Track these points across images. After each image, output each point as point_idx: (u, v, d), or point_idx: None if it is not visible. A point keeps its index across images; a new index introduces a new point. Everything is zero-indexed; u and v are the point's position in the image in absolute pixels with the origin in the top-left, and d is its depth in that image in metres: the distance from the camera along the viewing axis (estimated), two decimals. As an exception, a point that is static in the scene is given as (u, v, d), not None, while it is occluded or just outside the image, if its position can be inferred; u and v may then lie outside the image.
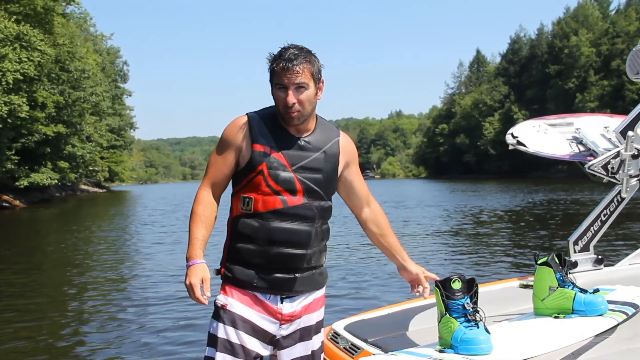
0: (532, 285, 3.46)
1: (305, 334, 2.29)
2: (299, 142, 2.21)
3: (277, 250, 2.15)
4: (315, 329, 2.33)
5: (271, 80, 2.19)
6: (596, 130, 3.99)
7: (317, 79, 2.18)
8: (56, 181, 36.73)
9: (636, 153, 3.78)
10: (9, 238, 16.34)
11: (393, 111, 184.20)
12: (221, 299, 2.20)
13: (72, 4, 31.98)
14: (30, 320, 6.48)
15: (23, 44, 20.86)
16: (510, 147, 3.83)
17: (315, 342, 2.33)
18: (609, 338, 2.56)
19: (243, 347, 2.17)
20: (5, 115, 20.45)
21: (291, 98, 2.11)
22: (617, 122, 4.11)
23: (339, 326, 3.20)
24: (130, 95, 71.05)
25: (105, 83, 48.91)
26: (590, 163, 3.69)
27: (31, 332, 5.91)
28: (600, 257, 3.89)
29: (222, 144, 2.24)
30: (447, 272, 8.87)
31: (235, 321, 2.17)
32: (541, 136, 3.89)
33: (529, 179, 60.99)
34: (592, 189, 29.52)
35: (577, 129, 3.98)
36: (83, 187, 61.06)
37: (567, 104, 65.41)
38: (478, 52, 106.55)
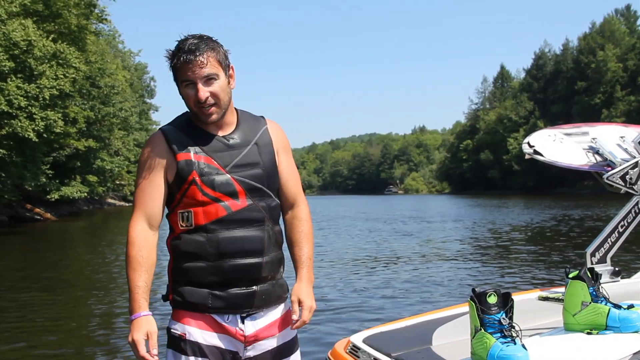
0: (552, 298, 3.52)
1: (278, 354, 2.05)
2: (224, 140, 1.99)
3: (229, 262, 1.92)
4: (291, 347, 2.10)
5: (176, 79, 1.96)
6: (612, 140, 3.91)
7: (225, 66, 1.97)
8: (85, 194, 37.45)
9: None
10: (49, 248, 16.80)
11: (416, 126, 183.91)
12: (177, 328, 1.96)
13: (104, 23, 32.80)
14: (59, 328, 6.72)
15: (60, 61, 21.55)
16: (527, 157, 3.74)
17: None
18: None
19: None
20: (42, 130, 21.07)
21: (202, 93, 1.90)
22: (632, 131, 4.07)
23: (358, 339, 3.02)
24: (157, 110, 72.24)
25: (133, 99, 49.85)
26: (608, 174, 3.61)
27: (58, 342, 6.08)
28: (617, 269, 3.78)
29: (144, 168, 1.98)
30: (463, 282, 8.96)
31: (199, 350, 1.93)
32: (557, 145, 3.79)
33: (554, 195, 60.34)
34: (620, 204, 29.13)
35: (593, 139, 3.88)
36: (109, 200, 62.05)
37: (593, 120, 64.29)
38: (502, 67, 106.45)
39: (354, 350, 2.95)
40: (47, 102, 20.75)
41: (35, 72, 20.57)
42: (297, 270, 2.11)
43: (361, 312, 6.99)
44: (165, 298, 2.02)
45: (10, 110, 20.01)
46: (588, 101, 72.13)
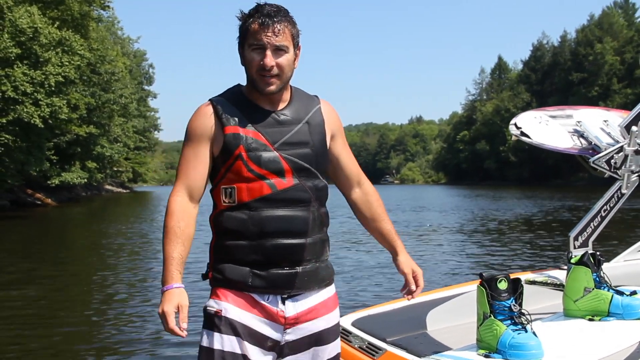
0: (539, 282, 3.53)
1: (316, 340, 1.97)
2: (275, 116, 1.92)
3: (272, 242, 1.86)
4: (332, 334, 2.01)
5: (242, 42, 1.90)
6: (596, 124, 3.88)
7: (296, 43, 1.92)
8: (85, 180, 37.72)
9: (639, 149, 3.72)
10: (55, 233, 17.08)
11: (413, 117, 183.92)
12: (213, 305, 1.89)
13: (106, 9, 32.93)
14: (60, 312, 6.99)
15: (65, 48, 21.75)
16: (514, 138, 3.68)
17: (330, 350, 2.01)
18: None
19: (245, 357, 1.87)
20: (47, 117, 21.30)
21: (269, 60, 1.84)
22: (615, 116, 4.06)
23: (346, 322, 2.92)
24: (155, 97, 72.25)
25: (132, 85, 49.96)
26: (594, 157, 3.59)
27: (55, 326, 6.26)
28: (598, 253, 3.86)
29: (191, 138, 1.93)
30: (452, 266, 9.24)
31: (234, 328, 1.86)
32: (543, 128, 3.75)
33: (549, 186, 60.81)
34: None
35: (578, 122, 3.86)
36: (107, 187, 62.27)
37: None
38: (500, 58, 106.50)
39: (345, 334, 2.82)
40: (53, 88, 20.97)
41: (40, 59, 20.77)
42: (391, 242, 2.15)
43: (349, 295, 7.08)
44: (204, 276, 1.97)
45: (16, 97, 20.24)
46: (585, 93, 72.40)
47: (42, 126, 21.47)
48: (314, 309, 1.96)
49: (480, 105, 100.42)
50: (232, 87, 2.00)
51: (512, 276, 2.19)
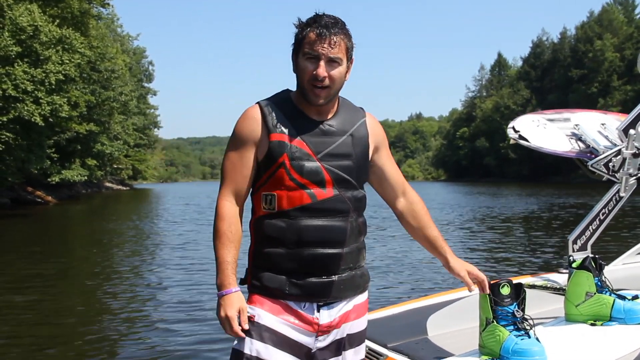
0: (539, 286, 3.52)
1: (344, 345, 2.02)
2: (321, 126, 1.93)
3: (309, 251, 1.89)
4: (358, 339, 2.06)
5: (297, 50, 1.91)
6: (594, 128, 3.88)
7: (349, 56, 1.93)
8: (85, 178, 37.74)
9: (637, 152, 3.71)
10: (58, 232, 17.12)
11: (413, 113, 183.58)
12: (248, 311, 1.93)
13: (106, 7, 32.90)
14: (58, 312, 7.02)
15: (65, 46, 21.75)
16: (512, 142, 3.68)
17: (357, 354, 2.07)
18: None
19: None
20: (48, 115, 21.31)
21: (322, 70, 1.85)
22: (612, 119, 4.05)
23: None
24: (155, 95, 72.24)
25: (131, 83, 49.96)
26: (593, 161, 3.59)
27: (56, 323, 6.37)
28: (597, 256, 3.79)
29: (237, 142, 1.95)
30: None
31: (263, 335, 1.90)
32: (541, 131, 3.74)
33: (549, 183, 60.85)
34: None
35: (576, 125, 3.85)
36: (107, 184, 62.28)
37: (589, 109, 65.12)
38: (500, 55, 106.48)
39: None
40: (53, 86, 20.98)
41: (41, 57, 20.77)
42: (440, 249, 2.15)
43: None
44: (243, 281, 2.00)
45: (17, 95, 20.23)
46: (585, 90, 72.35)
47: (43, 124, 21.49)
48: (346, 314, 2.00)
49: (479, 102, 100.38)
50: (281, 92, 2.02)
51: (514, 281, 2.20)
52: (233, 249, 1.92)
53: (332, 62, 1.87)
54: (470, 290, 2.15)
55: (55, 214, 25.74)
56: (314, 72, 1.86)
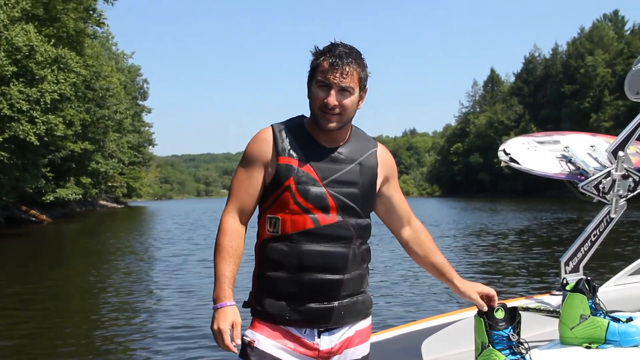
0: (533, 309, 3.52)
1: None
2: (330, 153, 1.96)
3: (309, 276, 1.90)
4: None
5: (311, 77, 1.96)
6: (583, 150, 3.94)
7: (362, 85, 1.96)
8: (80, 196, 37.65)
9: (626, 173, 3.75)
10: (52, 252, 17.03)
11: (407, 129, 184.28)
12: (248, 335, 1.95)
13: (101, 26, 33.08)
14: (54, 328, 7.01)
15: (60, 65, 21.84)
16: (503, 164, 3.73)
17: None
18: None
19: None
20: (43, 134, 21.33)
21: (332, 99, 1.89)
22: (601, 141, 4.10)
23: None
24: (149, 112, 72.34)
25: (126, 101, 50.05)
26: (583, 183, 3.63)
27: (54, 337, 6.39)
28: (589, 278, 3.75)
29: (247, 161, 1.99)
30: (443, 291, 9.18)
31: (263, 359, 1.92)
32: (531, 154, 3.80)
33: (543, 198, 61.01)
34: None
35: (565, 147, 3.91)
36: (102, 202, 62.13)
37: (581, 124, 65.55)
38: (492, 71, 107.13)
39: None
40: (48, 106, 21.05)
41: (36, 77, 20.85)
42: (447, 275, 2.16)
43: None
44: (246, 305, 2.01)
45: (12, 114, 20.28)
46: (577, 105, 72.88)
47: (38, 143, 21.51)
48: (347, 340, 2.00)
49: (473, 118, 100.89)
50: (295, 118, 2.06)
51: (507, 304, 2.21)
52: (232, 264, 1.93)
53: (344, 91, 1.90)
54: (483, 310, 2.15)
55: (50, 232, 25.65)
56: (325, 100, 1.89)
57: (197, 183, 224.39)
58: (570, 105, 74.43)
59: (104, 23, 32.33)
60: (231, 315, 1.87)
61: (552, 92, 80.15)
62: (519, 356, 2.07)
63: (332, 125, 1.92)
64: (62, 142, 27.58)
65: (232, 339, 1.87)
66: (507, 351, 2.08)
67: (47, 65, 21.16)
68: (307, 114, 2.04)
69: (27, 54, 20.55)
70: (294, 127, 2.00)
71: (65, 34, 25.61)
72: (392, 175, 2.13)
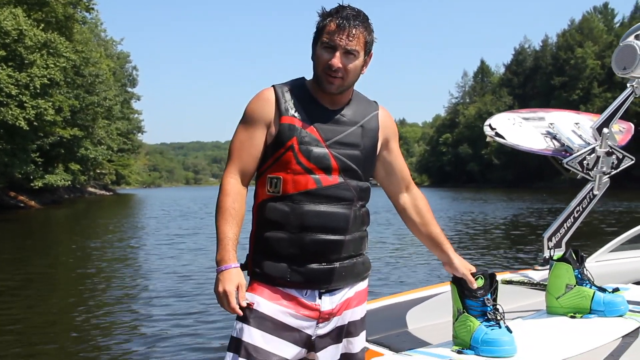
0: (516, 282, 3.58)
1: (345, 332, 2.03)
2: (333, 115, 1.95)
3: (311, 237, 1.89)
4: (359, 326, 2.08)
5: (316, 39, 1.93)
6: (568, 127, 3.96)
7: (368, 50, 1.94)
8: (68, 183, 37.45)
9: (610, 150, 3.79)
10: (42, 237, 16.97)
11: (397, 119, 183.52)
12: (247, 298, 1.91)
13: (90, 12, 32.77)
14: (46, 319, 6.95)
15: (50, 50, 21.66)
16: (488, 139, 3.74)
17: (358, 342, 2.08)
18: (638, 340, 2.32)
19: (271, 352, 1.90)
20: (32, 119, 21.19)
21: (337, 61, 1.87)
22: (585, 119, 4.14)
23: None
24: (139, 100, 71.86)
25: (115, 87, 49.71)
26: (568, 159, 3.66)
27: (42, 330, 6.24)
28: (577, 249, 3.75)
29: (248, 121, 1.95)
30: (432, 270, 9.37)
31: (263, 322, 1.90)
32: (517, 129, 3.81)
33: (532, 188, 61.40)
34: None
35: (550, 124, 3.92)
36: (90, 189, 61.80)
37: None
38: (482, 62, 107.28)
39: None
40: (38, 90, 20.89)
41: (25, 61, 20.67)
42: (442, 247, 2.14)
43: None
44: (243, 267, 1.96)
45: (1, 99, 20.12)
46: (566, 97, 73.19)
47: (27, 128, 21.36)
48: (347, 301, 2.01)
49: (463, 109, 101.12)
50: (296, 79, 2.03)
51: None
52: (235, 225, 1.91)
53: (349, 54, 1.88)
54: (474, 288, 2.13)
55: (39, 218, 25.49)
56: (329, 62, 1.87)
57: (186, 171, 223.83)
58: (559, 96, 74.73)
59: (93, 9, 32.05)
60: (236, 277, 1.86)
61: (542, 84, 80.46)
62: (493, 322, 2.06)
63: (334, 88, 1.91)
64: (52, 128, 27.39)
65: (238, 301, 1.86)
66: (482, 317, 2.08)
67: (37, 50, 21.00)
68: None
69: (16, 38, 20.37)
70: (295, 88, 1.98)
71: (54, 18, 25.38)
72: (393, 137, 2.12)
